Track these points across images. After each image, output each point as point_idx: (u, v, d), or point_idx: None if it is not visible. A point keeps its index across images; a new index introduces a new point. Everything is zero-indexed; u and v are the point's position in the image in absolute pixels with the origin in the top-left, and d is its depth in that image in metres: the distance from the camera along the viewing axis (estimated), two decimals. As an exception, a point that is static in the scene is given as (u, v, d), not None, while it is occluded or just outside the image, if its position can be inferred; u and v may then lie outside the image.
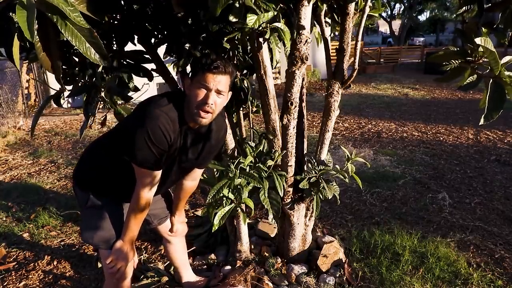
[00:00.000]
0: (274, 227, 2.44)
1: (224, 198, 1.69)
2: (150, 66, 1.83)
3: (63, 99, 1.83)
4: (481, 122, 1.30)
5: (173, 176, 1.50)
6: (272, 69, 1.77)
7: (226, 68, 1.23)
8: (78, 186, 1.48)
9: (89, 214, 1.46)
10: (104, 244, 1.45)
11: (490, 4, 1.47)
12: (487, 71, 1.36)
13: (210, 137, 1.42)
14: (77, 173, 1.50)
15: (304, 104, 2.00)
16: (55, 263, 2.35)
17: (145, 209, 1.38)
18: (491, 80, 1.32)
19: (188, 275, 1.99)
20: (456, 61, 1.41)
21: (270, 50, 1.73)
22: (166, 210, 1.77)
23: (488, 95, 1.30)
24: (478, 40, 1.21)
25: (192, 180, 1.64)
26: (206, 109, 1.24)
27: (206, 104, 1.23)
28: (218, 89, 1.23)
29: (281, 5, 1.47)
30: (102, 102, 1.79)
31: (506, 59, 1.28)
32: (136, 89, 1.84)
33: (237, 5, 1.31)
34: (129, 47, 1.71)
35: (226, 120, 1.57)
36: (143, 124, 1.21)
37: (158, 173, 1.33)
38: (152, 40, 1.79)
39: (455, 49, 1.44)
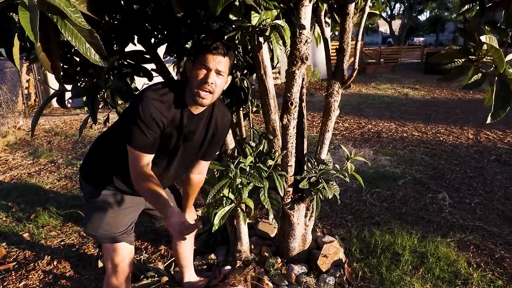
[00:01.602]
0: (274, 227, 2.44)
1: (224, 198, 1.69)
2: (150, 66, 1.83)
3: (67, 100, 1.83)
4: (488, 120, 1.30)
5: (176, 165, 1.48)
6: (273, 68, 1.77)
7: (226, 49, 1.27)
8: (84, 179, 1.50)
9: (93, 207, 1.46)
10: (107, 238, 1.46)
11: (491, 3, 1.47)
12: (491, 69, 1.35)
13: (212, 123, 1.43)
14: (83, 166, 1.52)
15: (304, 104, 2.00)
16: (55, 263, 2.35)
17: (150, 183, 1.28)
18: (496, 78, 1.31)
19: (190, 275, 1.99)
20: (459, 60, 1.41)
21: (271, 50, 1.72)
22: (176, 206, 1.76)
23: (494, 93, 1.30)
24: (483, 38, 1.20)
25: (199, 174, 1.63)
26: (206, 88, 1.26)
27: (206, 83, 1.25)
28: (218, 69, 1.26)
29: (281, 5, 1.47)
30: (102, 102, 1.79)
31: (510, 56, 1.27)
32: (136, 89, 1.84)
33: (237, 3, 1.31)
34: (129, 47, 1.71)
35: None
36: (136, 106, 1.25)
37: (150, 158, 1.32)
38: (152, 40, 1.79)
39: (458, 48, 1.44)
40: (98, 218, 1.44)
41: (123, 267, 1.52)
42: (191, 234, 1.88)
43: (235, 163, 1.65)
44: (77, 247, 2.53)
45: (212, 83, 1.25)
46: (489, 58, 1.36)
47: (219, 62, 1.26)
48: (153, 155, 1.32)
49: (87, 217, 1.50)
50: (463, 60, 1.42)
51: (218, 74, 1.27)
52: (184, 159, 1.49)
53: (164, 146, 1.35)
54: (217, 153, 1.68)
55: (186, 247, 1.91)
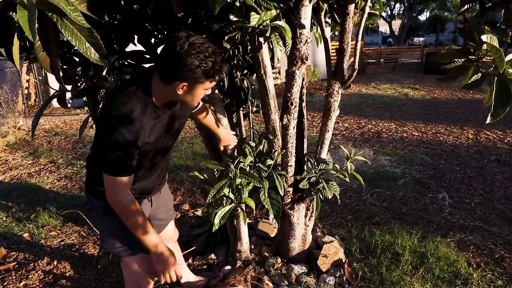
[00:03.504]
0: (274, 227, 2.44)
1: (224, 198, 1.68)
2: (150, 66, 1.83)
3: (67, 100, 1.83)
4: (488, 120, 1.30)
5: (165, 153, 1.47)
6: (273, 68, 1.77)
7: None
8: (92, 195, 1.43)
9: (107, 223, 1.42)
10: (126, 251, 1.44)
11: (491, 3, 1.47)
12: (491, 69, 1.35)
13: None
14: (88, 182, 1.46)
15: (304, 104, 2.00)
16: (55, 263, 2.35)
17: (136, 210, 1.28)
18: (496, 78, 1.31)
19: (186, 275, 1.99)
20: (459, 60, 1.41)
21: (271, 50, 1.72)
22: (167, 214, 1.75)
23: (493, 93, 1.30)
24: (484, 38, 1.20)
25: (199, 110, 1.61)
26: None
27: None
28: None
29: (281, 5, 1.47)
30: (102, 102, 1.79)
31: (510, 56, 1.27)
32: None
33: (237, 4, 1.30)
34: (129, 47, 1.71)
35: None
36: (108, 137, 1.17)
37: (132, 176, 1.28)
38: (152, 40, 1.79)
39: (458, 48, 1.44)
40: (115, 230, 1.39)
41: (147, 280, 1.50)
42: (173, 240, 1.86)
43: (235, 163, 1.65)
44: (77, 247, 2.53)
45: None
46: (489, 58, 1.36)
47: None
48: (133, 174, 1.27)
49: (104, 233, 1.46)
50: (463, 60, 1.42)
51: None
52: (168, 145, 1.46)
53: (156, 149, 1.34)
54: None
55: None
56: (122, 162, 1.21)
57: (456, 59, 1.42)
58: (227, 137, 1.79)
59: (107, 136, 1.18)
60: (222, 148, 1.81)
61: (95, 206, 1.45)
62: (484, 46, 1.34)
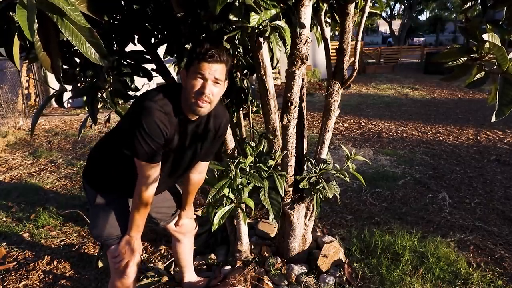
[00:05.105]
0: (274, 227, 2.44)
1: (224, 198, 1.68)
2: (150, 66, 1.83)
3: (66, 100, 1.83)
4: (493, 119, 1.28)
5: (177, 169, 1.50)
6: (273, 69, 1.77)
7: (221, 56, 1.22)
8: (88, 184, 1.49)
9: (98, 212, 1.46)
10: (113, 240, 1.46)
11: (492, 1, 1.46)
12: (495, 67, 1.34)
13: (210, 126, 1.42)
14: (86, 171, 1.51)
15: (304, 104, 2.00)
16: (55, 263, 2.35)
17: (148, 203, 1.37)
18: (499, 76, 1.31)
19: (190, 275, 1.99)
20: (462, 59, 1.40)
21: (271, 49, 1.72)
22: (174, 209, 1.76)
23: (497, 91, 1.29)
24: (485, 36, 1.20)
25: (199, 173, 1.62)
26: (203, 98, 1.23)
27: (203, 94, 1.22)
28: (215, 77, 1.23)
29: (281, 5, 1.47)
30: (102, 102, 1.79)
31: None
32: (136, 89, 1.84)
33: (237, 4, 1.30)
34: (129, 47, 1.71)
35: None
36: (139, 119, 1.22)
37: (157, 167, 1.33)
38: (152, 40, 1.79)
39: (460, 46, 1.43)
40: (103, 221, 1.44)
41: (129, 269, 1.51)
42: (189, 232, 1.89)
43: (235, 163, 1.65)
44: (77, 247, 2.53)
45: (209, 94, 1.22)
46: (492, 56, 1.35)
47: (216, 71, 1.22)
48: (160, 161, 1.33)
49: (92, 221, 1.50)
50: (465, 58, 1.41)
51: (216, 82, 1.24)
52: (183, 162, 1.49)
53: (164, 151, 1.35)
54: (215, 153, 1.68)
55: (186, 248, 1.91)
56: (148, 150, 1.26)
57: (458, 58, 1.41)
58: (188, 216, 1.81)
59: (136, 125, 1.23)
60: (180, 221, 1.79)
61: (88, 194, 1.50)
62: (487, 44, 1.33)
